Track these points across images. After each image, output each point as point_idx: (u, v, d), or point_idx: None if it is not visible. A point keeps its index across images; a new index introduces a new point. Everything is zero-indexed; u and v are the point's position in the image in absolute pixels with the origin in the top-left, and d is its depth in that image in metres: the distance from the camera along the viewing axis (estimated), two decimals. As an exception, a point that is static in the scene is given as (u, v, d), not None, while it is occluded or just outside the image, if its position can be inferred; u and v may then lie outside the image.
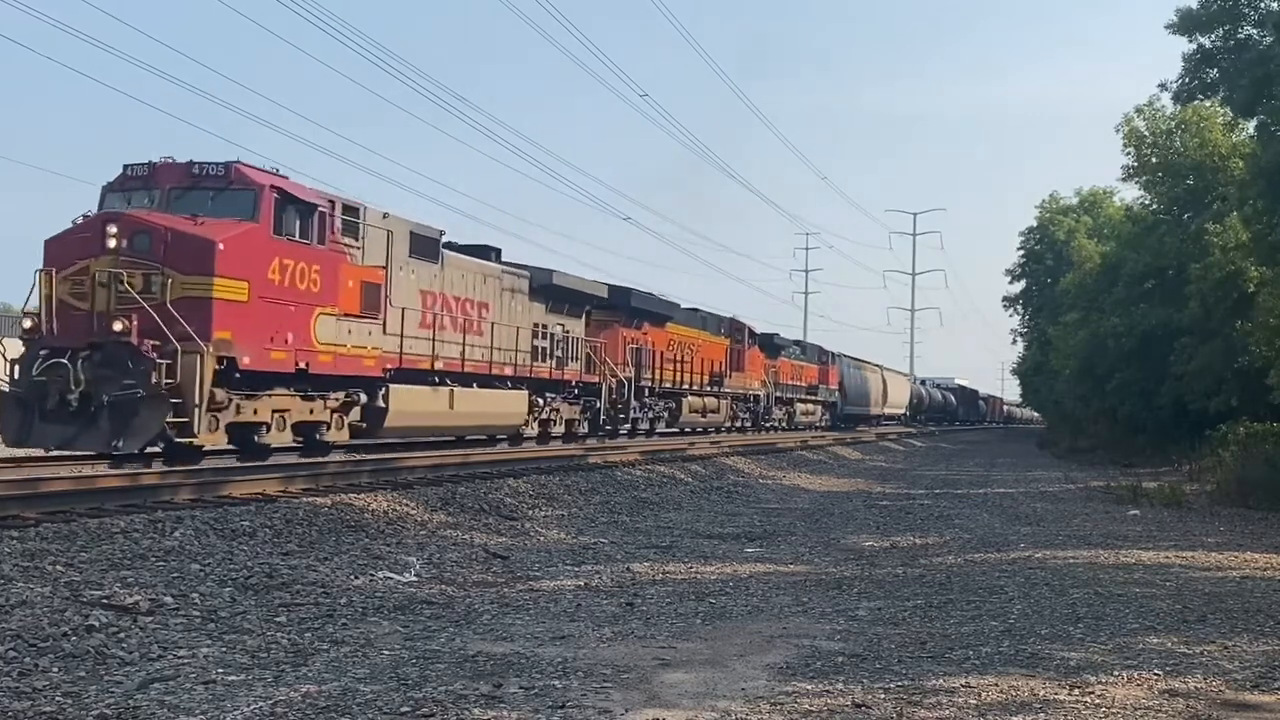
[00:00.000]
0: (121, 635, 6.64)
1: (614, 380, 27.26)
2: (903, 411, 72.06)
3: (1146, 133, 33.97)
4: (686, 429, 34.22)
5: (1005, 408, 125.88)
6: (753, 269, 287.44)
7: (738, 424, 40.16)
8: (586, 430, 26.42)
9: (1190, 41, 24.62)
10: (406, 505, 12.75)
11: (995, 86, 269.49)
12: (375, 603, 8.27)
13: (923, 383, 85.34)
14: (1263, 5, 23.39)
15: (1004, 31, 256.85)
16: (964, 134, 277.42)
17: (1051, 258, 55.79)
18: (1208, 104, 29.35)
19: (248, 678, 6.01)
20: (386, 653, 6.73)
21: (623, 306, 28.66)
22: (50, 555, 8.27)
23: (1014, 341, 68.79)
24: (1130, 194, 42.01)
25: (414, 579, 9.40)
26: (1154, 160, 33.89)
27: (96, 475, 11.76)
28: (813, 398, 49.48)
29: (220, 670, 6.13)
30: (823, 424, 50.83)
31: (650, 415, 30.97)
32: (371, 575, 9.31)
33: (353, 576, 9.17)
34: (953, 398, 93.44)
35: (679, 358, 32.26)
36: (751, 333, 38.60)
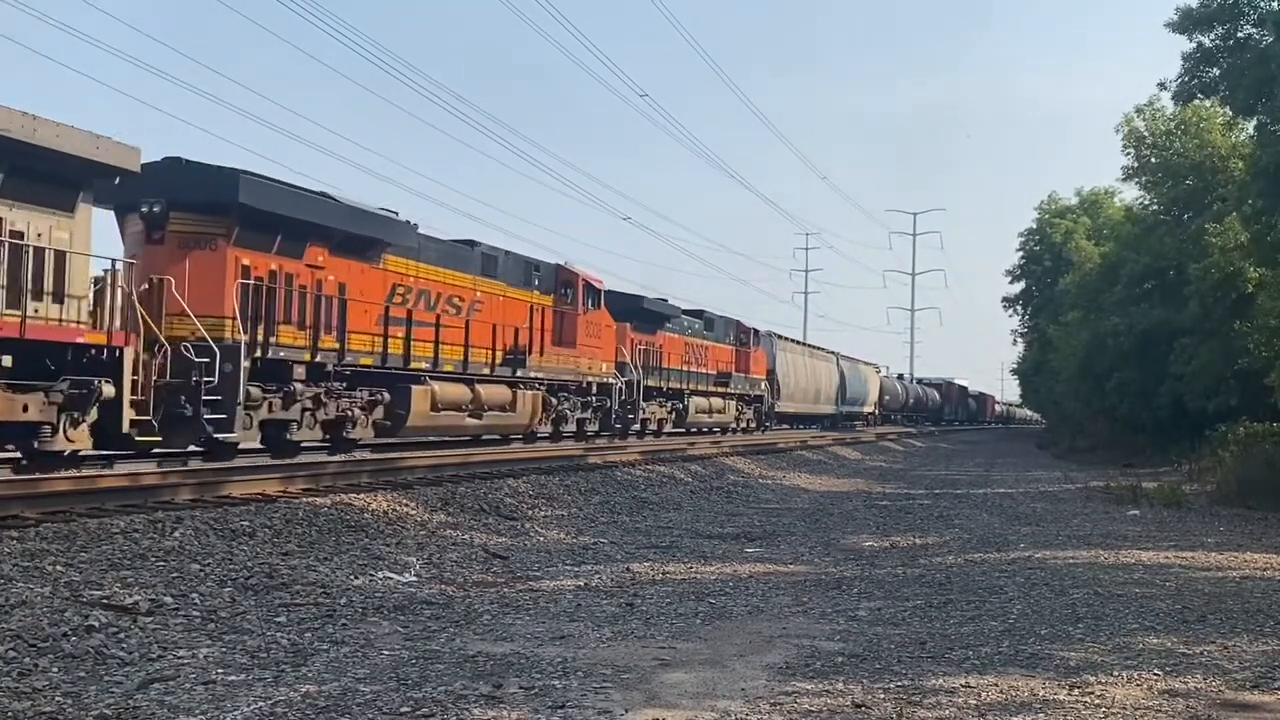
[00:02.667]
0: (121, 635, 6.64)
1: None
2: (870, 410, 62.72)
3: (1146, 133, 34.01)
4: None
5: (1000, 406, 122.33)
6: (753, 269, 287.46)
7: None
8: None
9: (1190, 40, 24.66)
10: (406, 505, 12.75)
11: (996, 87, 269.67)
12: (375, 603, 8.27)
13: (899, 378, 78.53)
14: (1262, 4, 23.40)
15: (1005, 32, 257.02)
16: (964, 134, 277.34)
17: (1050, 259, 55.80)
18: (1207, 104, 29.37)
19: (247, 678, 6.01)
20: (386, 653, 6.73)
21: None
22: (50, 555, 8.28)
23: (1014, 342, 68.92)
24: (1130, 194, 42.05)
25: (414, 579, 9.40)
26: (1154, 161, 33.92)
27: (96, 475, 11.75)
28: (723, 389, 36.27)
29: (220, 670, 6.13)
30: (742, 426, 38.46)
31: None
32: (371, 575, 9.31)
33: (353, 577, 9.17)
34: (936, 394, 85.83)
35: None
36: (589, 288, 25.46)
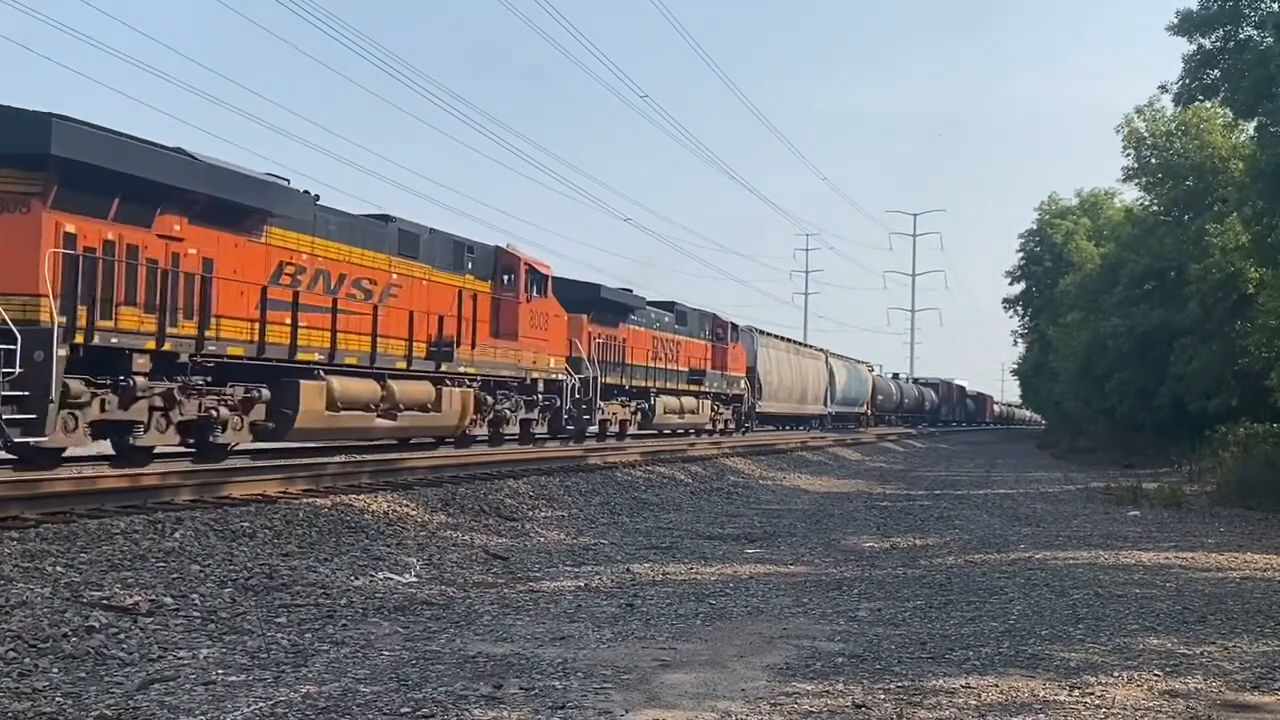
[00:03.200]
0: (121, 636, 6.65)
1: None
2: (863, 410, 60.04)
3: (1146, 134, 33.99)
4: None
5: (999, 407, 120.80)
6: (753, 269, 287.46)
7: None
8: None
9: (1190, 42, 24.65)
10: (406, 506, 12.76)
11: (996, 87, 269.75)
12: (375, 604, 8.28)
13: (895, 377, 76.15)
14: (1263, 6, 23.41)
15: (1005, 32, 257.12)
16: (965, 134, 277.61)
17: (1051, 260, 55.80)
18: (1208, 105, 29.37)
19: (248, 678, 6.01)
20: (387, 653, 6.73)
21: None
22: (50, 556, 8.28)
23: (1014, 343, 68.94)
24: (1130, 195, 42.05)
25: (414, 580, 9.40)
26: (1154, 161, 33.90)
27: (97, 476, 11.75)
28: (697, 388, 33.37)
29: (220, 671, 6.13)
30: (719, 427, 35.94)
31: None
32: (372, 576, 9.31)
33: (353, 577, 9.17)
34: (933, 394, 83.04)
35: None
36: (533, 273, 22.76)
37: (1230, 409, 27.26)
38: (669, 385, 31.11)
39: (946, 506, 18.99)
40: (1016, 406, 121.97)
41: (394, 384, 17.92)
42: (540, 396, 23.34)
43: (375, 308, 17.50)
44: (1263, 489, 18.79)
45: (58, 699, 5.45)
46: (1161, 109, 33.13)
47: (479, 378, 20.62)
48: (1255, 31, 23.57)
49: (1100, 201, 54.54)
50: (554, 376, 23.66)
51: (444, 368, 19.28)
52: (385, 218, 18.60)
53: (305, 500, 11.89)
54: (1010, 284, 62.72)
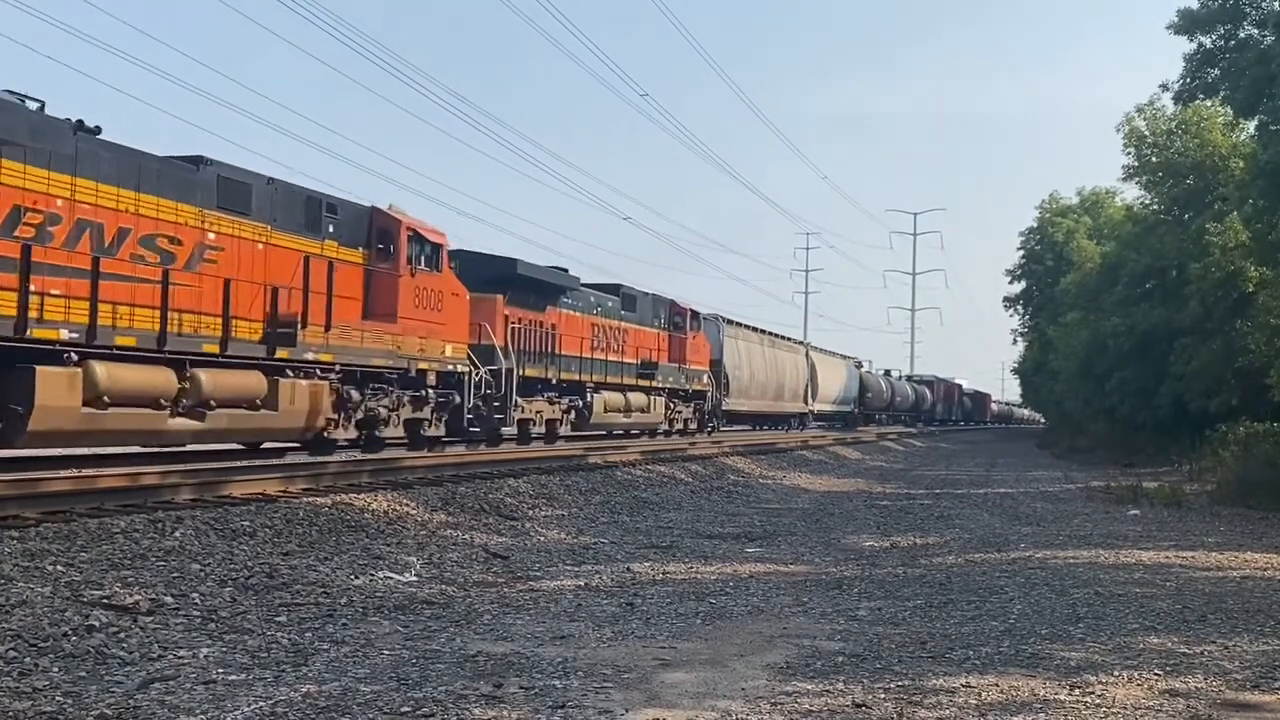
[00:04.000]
0: (121, 635, 6.64)
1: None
2: (849, 409, 56.10)
3: (1147, 133, 34.02)
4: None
5: (997, 405, 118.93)
6: (753, 269, 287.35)
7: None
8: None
9: (1191, 41, 24.67)
10: (406, 505, 12.76)
11: (997, 86, 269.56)
12: (375, 603, 8.28)
13: (887, 374, 71.74)
14: (1263, 5, 23.41)
15: (1006, 32, 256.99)
16: (965, 134, 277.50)
17: (1051, 258, 55.83)
18: (1209, 104, 29.37)
19: (248, 677, 6.01)
20: (387, 653, 6.73)
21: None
22: (50, 555, 8.28)
23: (1014, 342, 68.94)
24: (1131, 194, 42.05)
25: (414, 579, 9.40)
26: (1154, 160, 33.92)
27: (97, 475, 11.74)
28: (648, 382, 28.80)
29: (220, 670, 6.13)
30: (677, 428, 31.70)
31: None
32: (372, 575, 9.31)
33: (353, 576, 9.17)
34: (927, 392, 78.64)
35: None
36: (419, 241, 18.60)
37: (1230, 408, 27.27)
38: (612, 379, 26.65)
39: (947, 505, 18.99)
40: (1017, 406, 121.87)
41: (202, 373, 13.79)
42: (432, 392, 19.07)
43: (166, 272, 13.34)
44: (1263, 488, 18.79)
45: (58, 698, 5.45)
46: (1162, 108, 33.18)
47: (338, 367, 16.32)
48: (1256, 30, 23.59)
49: (1101, 200, 54.57)
50: (451, 368, 19.47)
51: (283, 353, 15.18)
52: (198, 160, 14.46)
53: (305, 499, 11.89)
54: (1010, 283, 62.84)
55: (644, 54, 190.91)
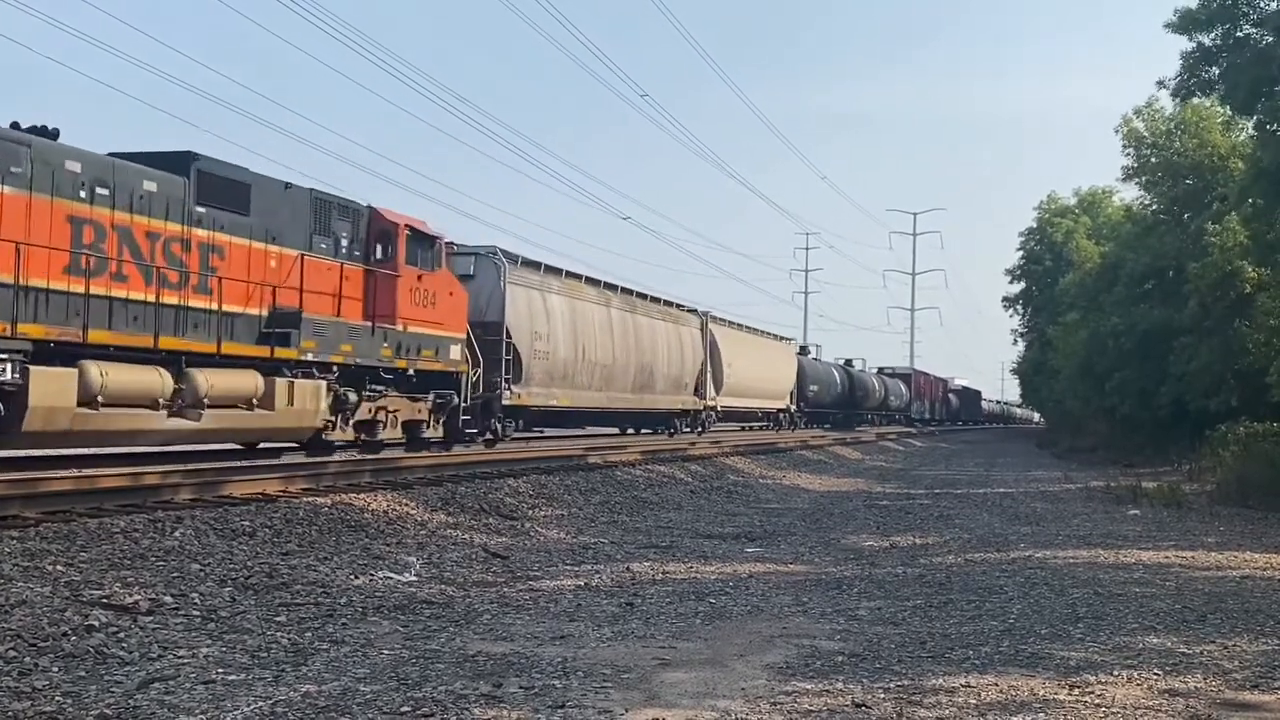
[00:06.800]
0: (121, 635, 6.64)
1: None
2: (780, 405, 43.08)
3: (1146, 133, 34.07)
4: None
5: (990, 404, 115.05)
6: (753, 269, 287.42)
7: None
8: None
9: (1189, 40, 24.66)
10: (406, 505, 12.76)
11: (996, 86, 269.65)
12: (375, 602, 8.28)
13: (849, 364, 60.14)
14: (1262, 4, 23.41)
15: (1006, 32, 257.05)
16: (965, 134, 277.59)
17: (1051, 258, 55.89)
18: (1206, 102, 29.39)
19: (248, 677, 6.01)
20: (386, 652, 6.73)
21: None
22: (50, 555, 8.28)
23: (1014, 342, 68.98)
24: (1130, 194, 42.10)
25: (414, 579, 9.40)
26: (1153, 160, 33.97)
27: (97, 475, 11.74)
28: (265, 353, 14.92)
29: (220, 670, 6.13)
30: (381, 436, 17.74)
31: None
32: (371, 575, 9.31)
33: (353, 576, 9.17)
34: (902, 387, 67.49)
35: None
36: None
37: (1230, 408, 27.28)
38: (132, 340, 13.40)
39: (946, 505, 19.00)
40: (1017, 405, 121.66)
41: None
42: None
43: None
44: (1263, 488, 18.80)
45: (57, 698, 5.45)
46: (1161, 109, 33.21)
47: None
48: (1254, 29, 23.58)
49: (1100, 200, 54.63)
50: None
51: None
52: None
53: (305, 499, 11.89)
54: (1010, 283, 62.91)
55: (644, 54, 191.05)
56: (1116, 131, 34.70)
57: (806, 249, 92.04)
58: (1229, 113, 28.03)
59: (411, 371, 17.94)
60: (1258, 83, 22.15)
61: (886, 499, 20.52)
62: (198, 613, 7.41)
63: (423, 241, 18.34)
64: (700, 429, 33.59)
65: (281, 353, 14.97)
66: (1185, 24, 24.27)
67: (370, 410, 17.13)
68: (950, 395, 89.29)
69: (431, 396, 18.61)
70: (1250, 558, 11.95)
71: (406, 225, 17.91)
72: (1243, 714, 5.71)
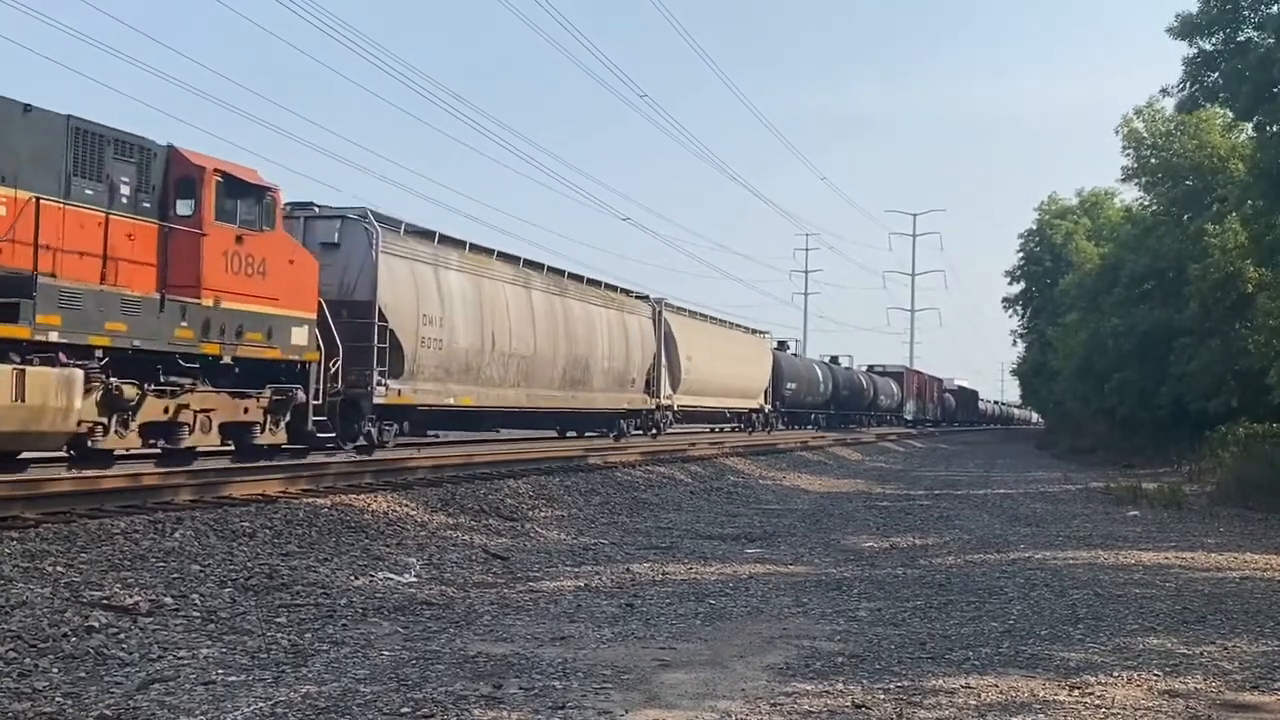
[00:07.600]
0: (121, 636, 6.65)
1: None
2: (753, 405, 38.61)
3: (1146, 134, 34.03)
4: None
5: (988, 404, 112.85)
6: (753, 269, 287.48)
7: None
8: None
9: (1190, 45, 24.63)
10: (406, 506, 12.76)
11: (996, 88, 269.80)
12: (375, 603, 8.28)
13: (834, 360, 56.51)
14: (1263, 9, 23.39)
15: (1006, 32, 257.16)
16: (965, 134, 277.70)
17: (1051, 259, 55.87)
18: (1209, 107, 29.35)
19: (248, 678, 6.01)
20: (386, 653, 6.73)
21: None
22: (50, 556, 8.28)
23: (1014, 343, 68.91)
24: (1130, 195, 42.08)
25: (414, 580, 9.40)
26: (1153, 161, 33.94)
27: (98, 476, 11.74)
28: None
29: (220, 671, 6.13)
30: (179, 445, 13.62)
31: None
32: (371, 576, 9.31)
33: (353, 577, 9.17)
34: (892, 385, 63.99)
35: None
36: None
37: (1230, 409, 27.28)
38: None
39: (946, 506, 19.00)
40: (1017, 406, 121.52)
41: None
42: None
43: None
44: (1262, 489, 18.79)
45: (58, 699, 5.45)
46: (1161, 109, 33.18)
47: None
48: (1255, 34, 23.56)
49: (1100, 201, 54.59)
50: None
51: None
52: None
53: (305, 500, 11.89)
54: (1010, 284, 62.87)
55: (644, 54, 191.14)
56: (1116, 132, 34.67)
57: (806, 250, 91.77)
58: (1229, 115, 27.99)
59: (229, 359, 13.88)
60: (1259, 87, 22.12)
61: (886, 500, 20.52)
62: (198, 614, 7.41)
63: (245, 193, 14.03)
64: (654, 431, 29.18)
65: (5, 330, 10.88)
66: (1186, 29, 24.23)
67: (166, 410, 12.96)
68: (946, 395, 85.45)
69: (268, 393, 14.50)
70: (1250, 559, 11.95)
71: (217, 170, 13.59)
72: (1242, 714, 5.72)
